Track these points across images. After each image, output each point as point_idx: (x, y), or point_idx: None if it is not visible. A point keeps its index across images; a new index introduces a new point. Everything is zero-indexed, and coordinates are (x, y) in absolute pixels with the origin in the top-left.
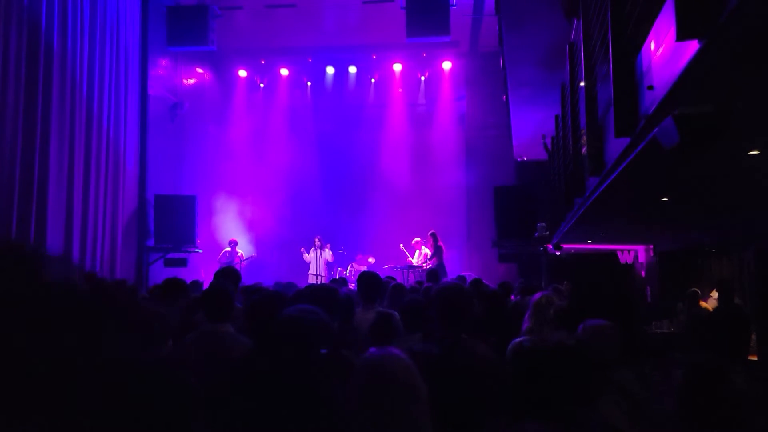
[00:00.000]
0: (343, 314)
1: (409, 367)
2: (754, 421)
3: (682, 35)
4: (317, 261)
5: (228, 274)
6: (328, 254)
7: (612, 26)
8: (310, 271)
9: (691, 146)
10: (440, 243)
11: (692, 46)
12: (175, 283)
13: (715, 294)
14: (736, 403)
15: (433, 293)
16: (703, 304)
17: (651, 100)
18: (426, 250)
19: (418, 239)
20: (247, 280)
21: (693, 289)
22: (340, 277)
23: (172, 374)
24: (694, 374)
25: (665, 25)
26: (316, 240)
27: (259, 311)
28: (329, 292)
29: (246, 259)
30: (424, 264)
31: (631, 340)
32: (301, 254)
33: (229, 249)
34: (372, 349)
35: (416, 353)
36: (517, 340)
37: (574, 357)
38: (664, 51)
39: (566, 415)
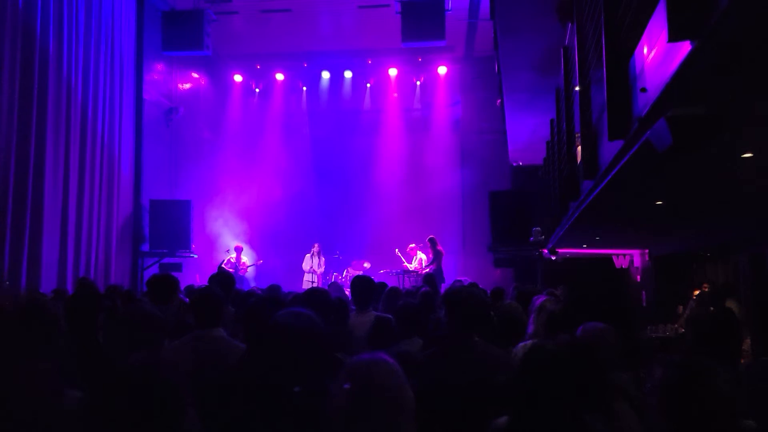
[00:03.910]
0: (336, 318)
1: (397, 372)
2: (736, 423)
3: (674, 36)
4: (317, 268)
5: (220, 279)
6: (322, 262)
7: (605, 30)
8: (305, 278)
9: (684, 148)
10: (439, 247)
11: (684, 48)
12: (165, 281)
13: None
14: (719, 404)
15: (446, 296)
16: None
17: (644, 103)
18: (421, 255)
19: (413, 245)
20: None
21: (705, 288)
22: (333, 282)
23: (159, 378)
24: (675, 375)
25: (657, 28)
26: (315, 246)
27: (253, 316)
28: (322, 295)
29: (251, 266)
30: (425, 269)
31: (628, 343)
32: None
33: (234, 255)
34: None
35: (412, 356)
36: (525, 342)
37: (591, 359)
38: (657, 53)
39: (577, 418)
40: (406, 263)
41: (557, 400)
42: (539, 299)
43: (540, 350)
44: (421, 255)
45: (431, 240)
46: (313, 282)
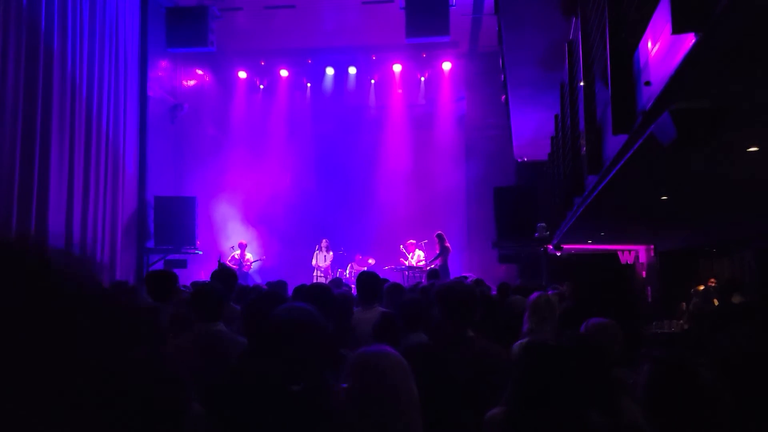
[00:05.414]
0: (339, 313)
1: (400, 364)
2: (721, 420)
3: (678, 28)
4: (324, 263)
5: (222, 274)
6: (329, 258)
7: (609, 23)
8: (315, 274)
9: (688, 141)
10: (447, 244)
11: (688, 41)
12: (164, 278)
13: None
14: (703, 400)
15: (438, 290)
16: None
17: (648, 96)
18: (419, 252)
19: (413, 241)
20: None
21: (711, 284)
22: (335, 278)
23: (163, 373)
24: (657, 370)
25: (662, 21)
26: (324, 241)
27: (255, 311)
28: (324, 291)
29: (254, 262)
30: (429, 265)
31: (632, 339)
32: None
33: (238, 251)
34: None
35: (419, 348)
36: (522, 341)
37: (592, 355)
38: (661, 47)
39: (574, 414)
40: (406, 259)
41: (552, 395)
42: (534, 296)
43: (534, 347)
44: (419, 252)
45: (439, 236)
46: (325, 278)
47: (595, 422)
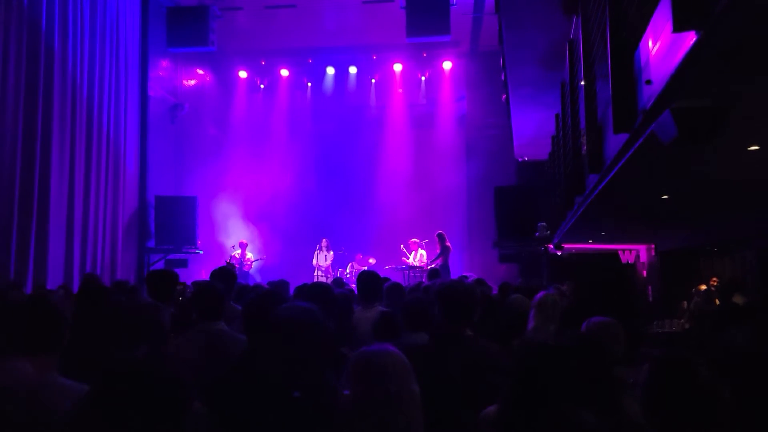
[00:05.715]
0: (340, 312)
1: (402, 362)
2: (721, 419)
3: (679, 26)
4: (324, 263)
5: (221, 274)
6: (329, 257)
7: (610, 22)
8: (315, 273)
9: (689, 140)
10: (448, 243)
11: (689, 39)
12: (164, 277)
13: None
14: (703, 400)
15: (437, 289)
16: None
17: (649, 95)
18: (422, 252)
19: (416, 240)
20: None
21: (713, 283)
22: (336, 278)
23: (164, 371)
24: (658, 370)
25: (662, 20)
26: (323, 241)
27: (255, 310)
28: (325, 290)
29: (255, 261)
30: (430, 264)
31: (633, 338)
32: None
33: (239, 251)
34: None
35: (417, 348)
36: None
37: (591, 354)
38: (662, 45)
39: (567, 413)
40: (407, 257)
41: (544, 394)
42: (540, 294)
43: (528, 346)
44: (421, 251)
45: (440, 235)
46: (327, 277)
47: (589, 422)
